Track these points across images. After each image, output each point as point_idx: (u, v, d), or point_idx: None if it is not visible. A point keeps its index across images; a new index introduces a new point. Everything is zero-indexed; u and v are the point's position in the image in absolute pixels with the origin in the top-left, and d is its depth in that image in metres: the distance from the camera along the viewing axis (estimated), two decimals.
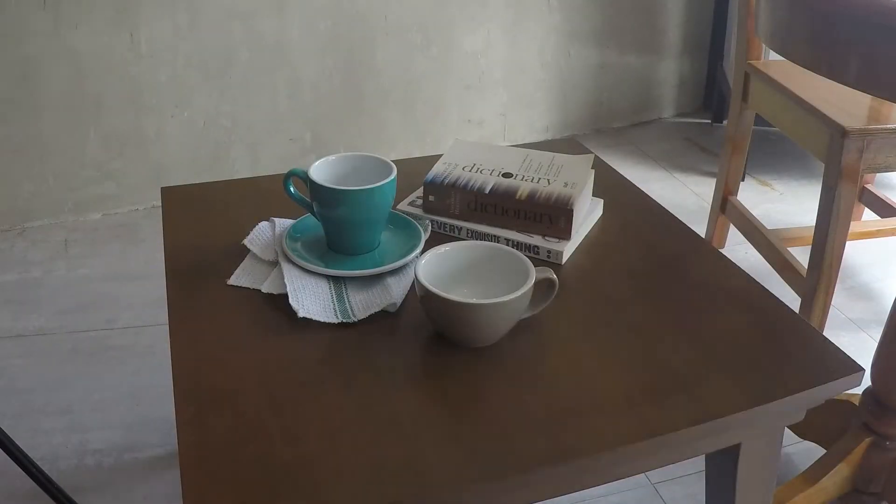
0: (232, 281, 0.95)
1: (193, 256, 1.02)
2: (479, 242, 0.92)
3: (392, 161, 0.99)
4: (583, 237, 1.06)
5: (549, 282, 0.88)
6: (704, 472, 0.97)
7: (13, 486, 1.27)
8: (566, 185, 1.05)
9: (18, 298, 1.79)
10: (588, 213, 1.09)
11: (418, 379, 0.82)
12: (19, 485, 1.23)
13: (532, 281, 0.85)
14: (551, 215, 1.02)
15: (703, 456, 0.93)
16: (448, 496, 0.70)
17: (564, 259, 1.01)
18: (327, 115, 2.28)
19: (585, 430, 0.76)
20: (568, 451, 0.74)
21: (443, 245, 0.90)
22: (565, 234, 1.02)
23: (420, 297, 0.85)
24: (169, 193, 1.16)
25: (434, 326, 0.88)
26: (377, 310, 0.90)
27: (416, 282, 0.85)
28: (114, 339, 1.67)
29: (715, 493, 0.95)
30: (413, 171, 1.18)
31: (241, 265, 0.98)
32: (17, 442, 1.15)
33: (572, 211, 1.01)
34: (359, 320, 0.89)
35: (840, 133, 1.43)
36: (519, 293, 0.83)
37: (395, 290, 0.93)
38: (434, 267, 0.89)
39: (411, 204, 1.11)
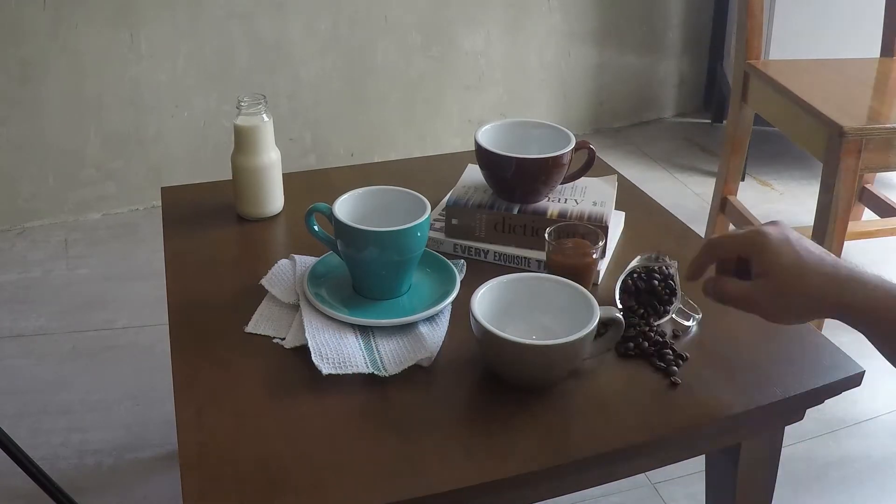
0: (250, 328, 0.87)
1: (193, 256, 1.02)
2: (533, 275, 0.88)
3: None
4: (611, 252, 1.02)
5: (615, 321, 0.82)
6: (704, 472, 0.97)
7: (13, 486, 1.27)
8: (595, 203, 1.02)
9: (18, 298, 1.79)
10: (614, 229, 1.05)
11: (416, 380, 0.82)
12: (19, 485, 1.23)
13: (597, 319, 0.79)
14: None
15: (703, 456, 0.93)
16: (448, 496, 0.70)
17: (601, 278, 0.97)
18: (327, 115, 2.28)
19: (585, 430, 0.76)
20: (568, 451, 0.74)
21: (496, 279, 0.85)
22: (601, 253, 0.98)
23: (478, 338, 0.80)
24: (169, 193, 1.16)
25: (487, 365, 0.83)
26: (411, 364, 0.82)
27: (472, 321, 0.79)
28: (114, 339, 1.67)
29: (715, 493, 0.95)
30: (414, 170, 1.18)
31: (259, 309, 0.90)
32: (17, 442, 1.15)
33: (608, 228, 0.98)
34: (391, 375, 0.81)
35: (838, 133, 1.43)
36: (584, 332, 0.78)
37: (430, 340, 0.85)
38: (488, 302, 0.83)
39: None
